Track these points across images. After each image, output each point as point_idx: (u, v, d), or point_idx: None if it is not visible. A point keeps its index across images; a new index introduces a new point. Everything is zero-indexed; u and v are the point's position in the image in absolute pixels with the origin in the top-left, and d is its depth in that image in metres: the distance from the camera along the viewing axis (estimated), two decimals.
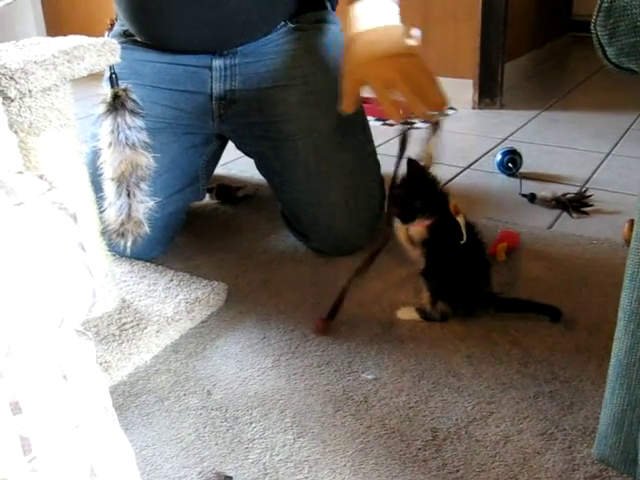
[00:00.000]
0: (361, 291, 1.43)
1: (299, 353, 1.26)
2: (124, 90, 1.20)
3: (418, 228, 1.30)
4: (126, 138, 1.20)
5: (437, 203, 1.30)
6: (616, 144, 2.39)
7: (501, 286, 1.44)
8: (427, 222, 1.29)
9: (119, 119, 1.20)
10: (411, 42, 1.37)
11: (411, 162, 1.31)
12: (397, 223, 1.32)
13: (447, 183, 2.06)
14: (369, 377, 1.19)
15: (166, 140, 1.52)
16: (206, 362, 1.24)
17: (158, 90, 1.53)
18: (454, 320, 1.33)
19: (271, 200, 1.77)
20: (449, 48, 2.88)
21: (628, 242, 1.11)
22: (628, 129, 2.56)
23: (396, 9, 1.39)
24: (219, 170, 1.91)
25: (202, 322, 1.36)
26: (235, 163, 2.14)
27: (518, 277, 1.49)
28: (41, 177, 0.59)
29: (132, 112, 1.20)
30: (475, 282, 1.32)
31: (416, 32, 1.43)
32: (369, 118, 1.69)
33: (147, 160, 1.23)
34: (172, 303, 1.34)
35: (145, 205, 1.27)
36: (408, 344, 1.27)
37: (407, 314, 1.35)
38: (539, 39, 3.57)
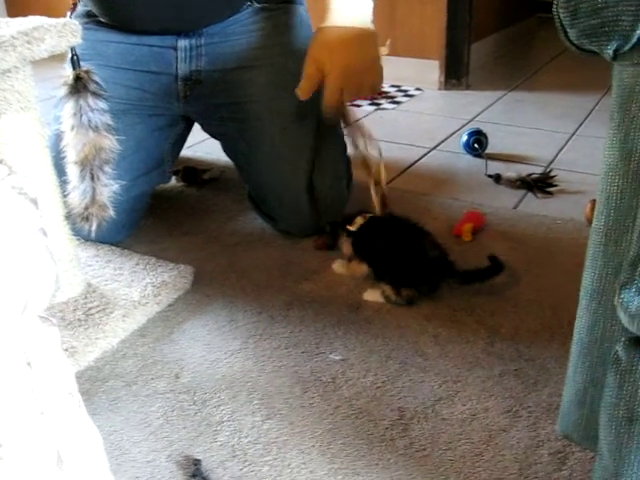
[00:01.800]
0: (328, 273, 1.44)
1: (267, 335, 1.26)
2: (86, 72, 1.18)
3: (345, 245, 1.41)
4: (89, 120, 1.19)
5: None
6: (580, 124, 2.41)
7: (467, 266, 1.45)
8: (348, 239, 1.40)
9: (81, 101, 1.18)
10: (382, 51, 1.41)
11: None
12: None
13: (413, 164, 2.07)
14: (337, 358, 1.19)
15: (131, 122, 1.50)
16: (173, 346, 1.24)
17: (122, 71, 1.51)
18: (420, 300, 1.34)
19: (238, 182, 1.76)
20: (415, 29, 2.88)
21: (590, 222, 1.12)
22: (592, 110, 2.58)
23: (371, 5, 1.38)
24: (185, 152, 1.90)
25: (169, 306, 1.35)
26: (201, 145, 2.12)
27: (483, 257, 1.50)
28: (0, 162, 0.58)
29: (95, 94, 1.19)
30: (423, 258, 1.34)
31: (386, 46, 1.49)
32: None
33: (111, 143, 1.22)
34: (138, 287, 1.34)
35: (109, 188, 1.25)
36: (375, 325, 1.28)
37: (373, 296, 1.36)
38: (505, 20, 3.58)
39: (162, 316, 1.33)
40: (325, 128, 1.59)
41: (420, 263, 1.33)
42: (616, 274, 0.77)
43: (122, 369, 1.19)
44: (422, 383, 1.13)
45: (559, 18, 0.73)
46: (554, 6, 0.73)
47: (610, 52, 0.70)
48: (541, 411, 1.07)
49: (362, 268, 1.39)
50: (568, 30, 0.73)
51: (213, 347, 1.23)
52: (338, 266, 1.45)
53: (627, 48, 0.68)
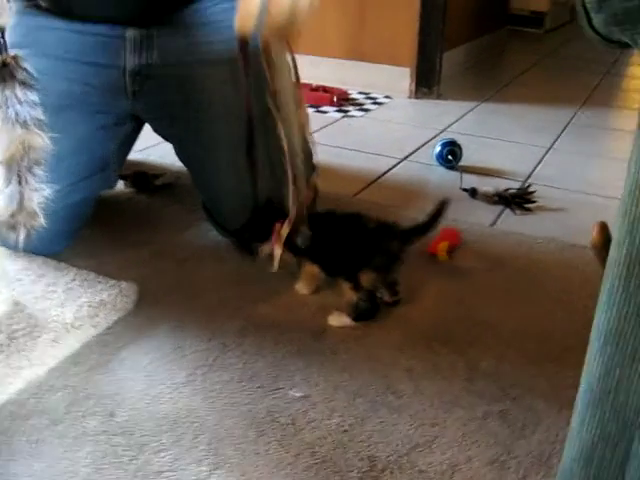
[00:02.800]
0: (289, 293, 1.30)
1: (217, 366, 1.10)
2: (14, 58, 1.02)
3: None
4: (16, 114, 1.02)
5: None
6: (557, 138, 2.33)
7: (444, 289, 1.33)
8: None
9: (7, 92, 1.01)
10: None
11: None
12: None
13: (382, 175, 1.94)
14: (297, 395, 1.04)
15: (72, 119, 1.35)
16: (110, 376, 1.08)
17: (63, 62, 1.35)
18: (392, 327, 1.21)
19: (193, 190, 1.61)
20: (386, 35, 2.76)
21: (597, 249, 0.99)
22: (568, 123, 2.50)
23: None
24: (136, 155, 1.74)
25: (107, 329, 1.19)
26: (155, 148, 1.96)
27: (460, 279, 1.38)
28: None
29: (23, 84, 1.02)
30: (362, 233, 1.25)
31: None
32: None
33: (42, 141, 1.05)
34: (73, 307, 1.18)
35: (40, 193, 1.09)
36: (341, 355, 1.14)
37: (339, 320, 1.22)
38: (477, 30, 3.50)
39: (99, 341, 1.16)
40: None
41: (360, 239, 1.24)
42: (639, 314, 0.64)
43: (48, 404, 1.02)
44: (395, 426, 0.99)
45: (582, 1, 0.59)
46: None
47: None
48: (531, 461, 0.94)
49: (314, 270, 1.28)
50: (593, 16, 0.59)
51: (155, 379, 1.07)
52: (301, 286, 1.31)
53: None
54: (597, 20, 0.59)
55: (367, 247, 1.23)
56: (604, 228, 0.88)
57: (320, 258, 1.28)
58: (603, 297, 0.68)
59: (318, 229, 1.27)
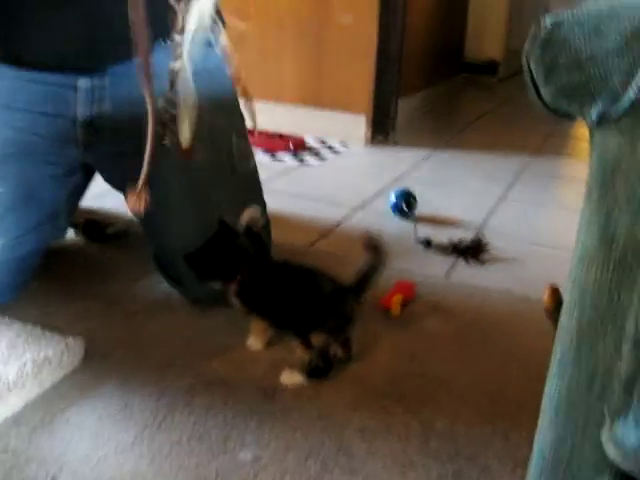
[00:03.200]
0: (240, 349, 1.27)
1: (166, 426, 1.07)
2: None
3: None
4: None
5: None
6: (509, 187, 2.35)
7: (397, 344, 1.32)
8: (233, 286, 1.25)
9: None
10: None
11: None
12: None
13: (338, 225, 1.93)
14: (248, 456, 1.02)
15: (19, 169, 1.32)
16: (54, 438, 1.04)
17: (11, 111, 1.32)
18: (345, 385, 1.19)
19: (145, 239, 1.58)
20: (342, 82, 2.78)
21: (549, 313, 0.99)
22: (521, 172, 2.53)
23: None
24: (88, 202, 1.70)
25: (52, 387, 1.15)
26: (111, 195, 1.93)
27: (414, 333, 1.37)
28: None
29: None
30: (317, 292, 1.23)
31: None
32: (257, 151, 1.55)
33: None
34: (16, 364, 1.13)
35: None
36: (293, 415, 1.11)
37: (291, 378, 1.20)
38: (433, 77, 3.56)
39: (43, 400, 1.12)
40: (242, 186, 1.44)
41: (314, 300, 1.22)
42: (590, 384, 0.64)
43: None
44: None
45: (530, 72, 0.60)
46: (523, 57, 0.60)
47: (594, 117, 0.56)
48: None
49: (263, 325, 1.28)
50: (541, 88, 0.59)
51: (101, 440, 1.04)
52: (253, 341, 1.29)
53: (616, 113, 0.55)
54: (545, 91, 0.60)
55: (321, 309, 1.21)
56: (555, 292, 0.89)
57: (271, 312, 1.26)
58: (554, 367, 0.67)
59: (272, 280, 1.26)
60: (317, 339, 1.19)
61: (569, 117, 0.60)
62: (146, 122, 1.19)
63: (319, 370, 1.19)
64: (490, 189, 2.32)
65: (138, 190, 1.19)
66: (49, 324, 1.28)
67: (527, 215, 2.12)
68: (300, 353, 1.20)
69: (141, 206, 1.20)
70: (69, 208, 1.46)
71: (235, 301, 1.26)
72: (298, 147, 2.62)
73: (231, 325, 1.34)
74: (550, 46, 0.56)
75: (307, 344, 1.19)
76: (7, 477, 0.96)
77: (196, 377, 1.19)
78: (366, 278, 1.24)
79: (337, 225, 1.94)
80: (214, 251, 1.25)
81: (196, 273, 1.27)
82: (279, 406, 1.13)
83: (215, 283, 1.27)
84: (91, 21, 1.27)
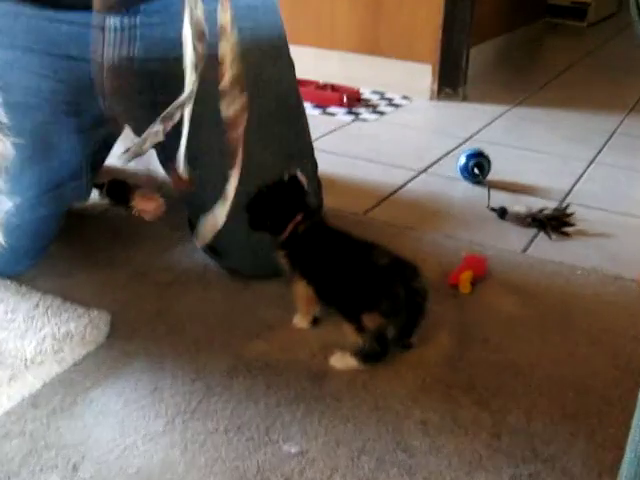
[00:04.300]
0: (286, 328, 1.28)
1: (201, 413, 1.09)
2: None
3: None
4: None
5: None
6: (600, 150, 2.32)
7: (466, 327, 1.32)
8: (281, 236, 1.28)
9: None
10: None
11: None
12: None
13: (398, 190, 1.93)
14: (293, 450, 1.03)
15: (39, 121, 1.34)
16: (75, 422, 1.07)
17: (31, 54, 1.34)
18: (405, 371, 1.20)
19: (177, 203, 1.60)
20: (404, 26, 2.76)
21: None
22: (613, 133, 2.49)
23: None
24: (113, 161, 1.73)
25: (74, 365, 1.18)
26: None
27: (485, 315, 1.37)
28: None
29: None
30: (372, 268, 1.22)
31: None
32: (307, 105, 1.55)
33: (3, 146, 1.05)
34: (34, 339, 1.17)
35: (0, 207, 1.09)
36: (345, 404, 1.12)
37: (343, 361, 1.21)
38: (511, 22, 3.50)
39: (63, 380, 1.15)
40: (290, 141, 1.45)
41: (369, 275, 1.22)
42: None
43: (2, 453, 1.01)
44: None
45: (638, 6, 0.58)
46: None
47: None
48: None
49: (307, 291, 1.28)
50: None
51: (128, 427, 1.06)
52: (300, 319, 1.30)
53: None
54: None
55: (374, 287, 1.21)
56: None
57: (316, 278, 1.26)
58: None
59: (322, 243, 1.27)
60: (370, 321, 1.19)
61: None
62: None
63: (374, 354, 1.20)
64: (576, 152, 2.29)
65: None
66: (71, 295, 1.31)
67: (619, 182, 2.09)
68: (353, 337, 1.20)
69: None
70: (93, 166, 1.49)
71: (279, 254, 1.28)
72: (353, 100, 2.61)
73: (275, 300, 1.35)
74: None
75: (359, 327, 1.19)
76: (24, 462, 0.99)
77: (235, 358, 1.20)
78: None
79: (396, 190, 1.94)
80: (273, 200, 1.28)
81: (250, 219, 1.30)
82: (329, 392, 1.14)
83: (265, 234, 1.30)
84: None
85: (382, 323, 1.19)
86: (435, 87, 2.77)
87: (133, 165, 1.53)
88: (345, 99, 2.58)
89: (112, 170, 1.76)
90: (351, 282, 1.22)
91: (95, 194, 1.67)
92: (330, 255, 1.25)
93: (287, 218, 1.27)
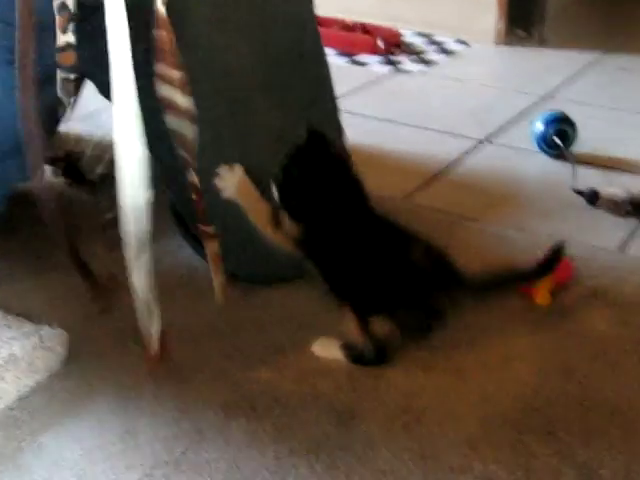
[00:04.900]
0: (298, 352, 1.31)
1: (187, 464, 1.10)
2: None
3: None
4: None
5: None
6: None
7: (544, 350, 1.33)
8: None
9: None
10: None
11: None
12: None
13: (451, 166, 1.94)
14: None
15: None
16: (20, 477, 1.08)
17: None
18: (462, 408, 1.21)
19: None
20: None
21: None
22: None
23: None
24: (72, 125, 1.75)
25: (19, 400, 1.20)
26: (93, 117, 1.97)
27: (570, 336, 1.38)
28: None
29: None
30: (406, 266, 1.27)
31: None
32: (329, 52, 1.57)
33: None
34: None
35: None
36: (380, 451, 1.13)
37: (327, 350, 1.29)
38: None
39: (5, 420, 1.17)
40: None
41: (398, 274, 1.27)
42: None
43: None
44: None
45: None
46: None
47: None
48: None
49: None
50: None
51: None
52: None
53: None
54: None
55: (396, 288, 1.26)
56: None
57: (329, 268, 1.30)
58: None
59: (354, 233, 1.29)
60: (379, 327, 1.24)
61: None
62: None
63: (367, 361, 1.27)
64: None
65: None
66: (14, 307, 1.33)
67: None
68: (351, 331, 1.26)
69: None
70: (46, 132, 1.50)
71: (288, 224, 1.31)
72: (391, 45, 2.63)
73: (284, 314, 1.36)
74: None
75: (363, 327, 1.25)
76: None
77: (234, 391, 1.22)
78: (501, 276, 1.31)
79: (448, 167, 1.96)
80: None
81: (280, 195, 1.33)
82: (359, 439, 1.15)
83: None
84: None
85: (392, 333, 1.25)
86: (502, 27, 2.80)
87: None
88: (381, 43, 2.59)
89: (71, 138, 1.80)
90: (369, 275, 1.27)
91: (48, 171, 1.68)
92: (359, 242, 1.29)
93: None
